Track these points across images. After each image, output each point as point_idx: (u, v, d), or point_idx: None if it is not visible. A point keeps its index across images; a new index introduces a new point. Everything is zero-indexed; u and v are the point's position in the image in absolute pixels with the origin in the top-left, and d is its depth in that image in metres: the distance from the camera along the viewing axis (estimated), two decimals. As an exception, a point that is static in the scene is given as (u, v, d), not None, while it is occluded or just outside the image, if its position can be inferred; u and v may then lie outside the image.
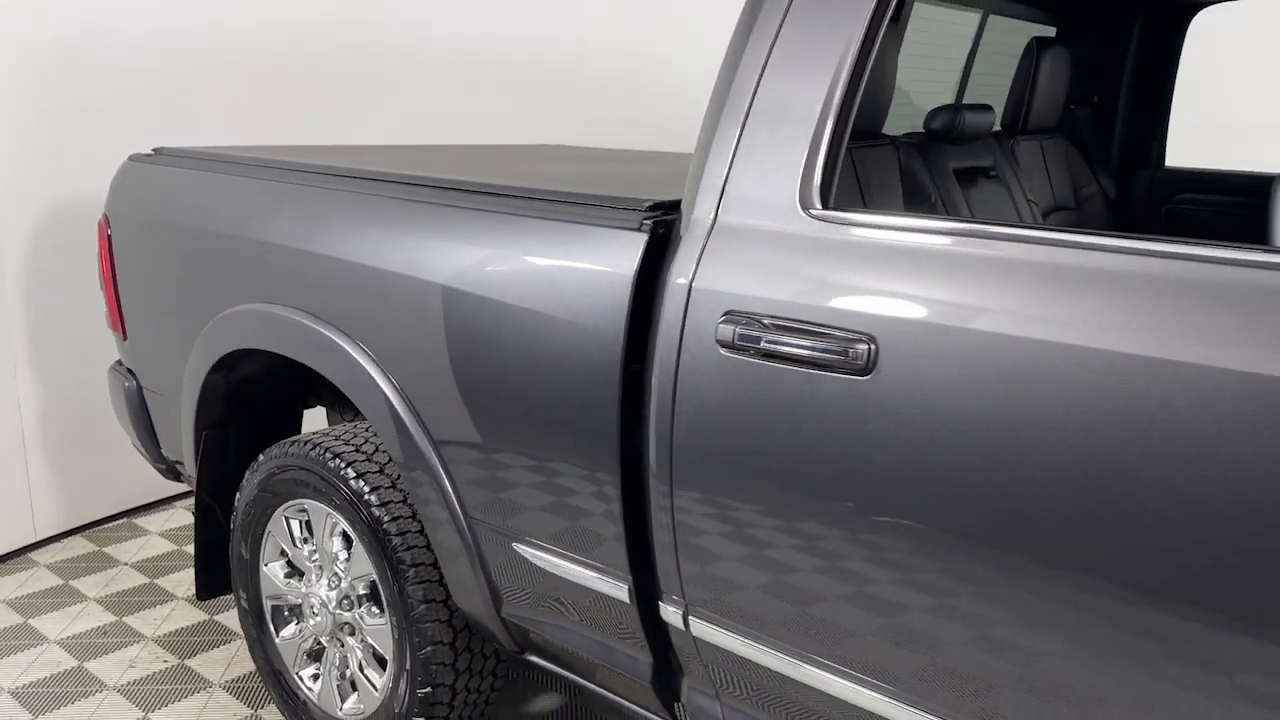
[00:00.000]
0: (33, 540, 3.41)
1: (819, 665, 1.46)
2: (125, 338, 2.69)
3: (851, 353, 1.34)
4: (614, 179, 2.07)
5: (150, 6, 3.40)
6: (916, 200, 2.11)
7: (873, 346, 1.33)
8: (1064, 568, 1.19)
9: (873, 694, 1.41)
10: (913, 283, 1.32)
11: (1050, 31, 2.57)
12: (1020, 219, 2.39)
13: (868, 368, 1.33)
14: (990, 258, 1.27)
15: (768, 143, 1.49)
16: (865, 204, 1.88)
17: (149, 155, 2.68)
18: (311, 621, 2.30)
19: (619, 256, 1.60)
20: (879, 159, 1.91)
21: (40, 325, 3.28)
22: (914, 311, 1.31)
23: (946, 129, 2.23)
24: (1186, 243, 1.15)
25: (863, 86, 1.41)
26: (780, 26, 1.51)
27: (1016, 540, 1.22)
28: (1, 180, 3.13)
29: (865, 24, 1.42)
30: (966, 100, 2.71)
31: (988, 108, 2.29)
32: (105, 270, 2.67)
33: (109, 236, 2.65)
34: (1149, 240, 1.18)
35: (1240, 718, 1.09)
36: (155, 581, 3.21)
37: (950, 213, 2.21)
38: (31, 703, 2.55)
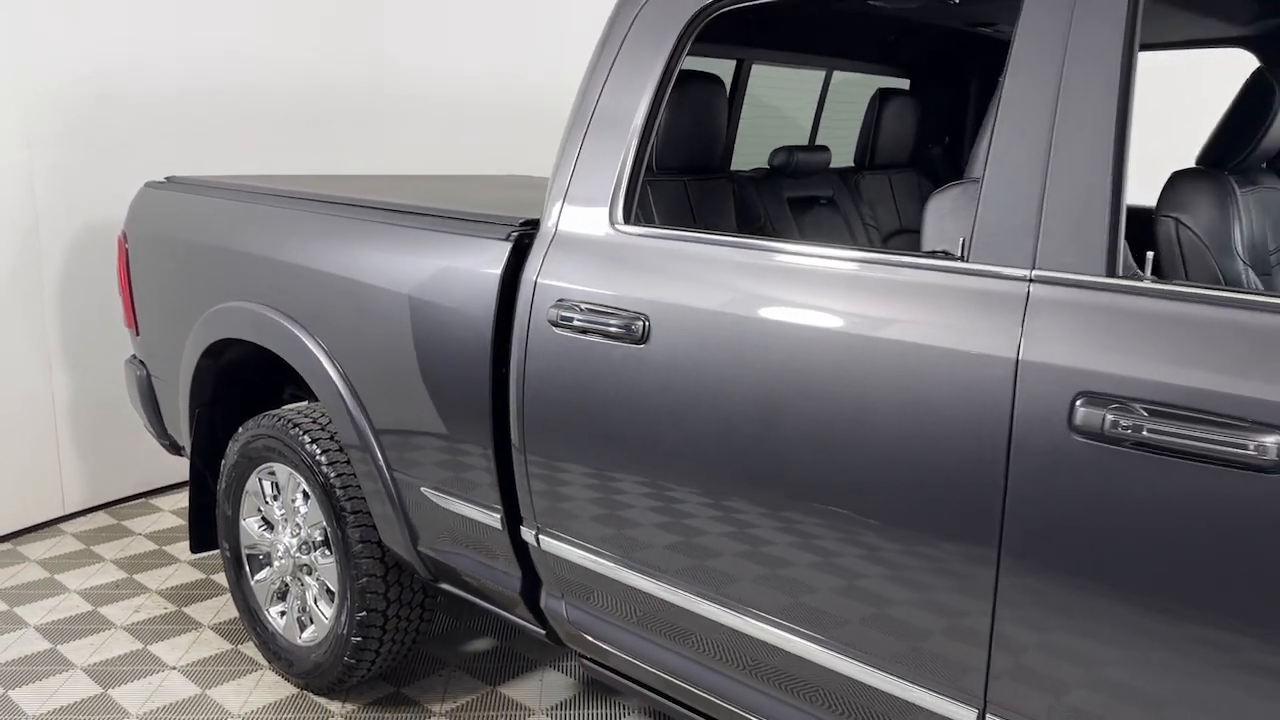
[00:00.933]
0: (61, 514, 3.98)
1: (631, 569, 1.96)
2: (138, 334, 3.26)
3: (633, 327, 1.85)
4: (519, 203, 2.60)
5: (173, 58, 4.00)
6: (748, 221, 2.61)
7: (647, 323, 1.83)
8: (787, 486, 1.68)
9: (670, 588, 1.90)
10: (677, 278, 1.82)
11: (904, 83, 3.05)
12: (852, 239, 2.88)
13: (644, 338, 1.83)
14: (734, 260, 1.77)
15: (589, 178, 2.00)
16: (696, 223, 2.39)
17: (162, 182, 3.26)
18: (277, 565, 2.83)
19: (491, 260, 2.13)
20: (714, 189, 2.43)
21: (73, 327, 3.87)
22: (677, 297, 1.81)
23: (784, 165, 2.74)
24: (870, 250, 1.64)
25: (651, 142, 1.93)
26: (598, 98, 2.03)
27: (754, 464, 1.71)
28: (45, 203, 3.73)
29: (650, 97, 1.94)
30: (825, 141, 3.20)
31: (823, 148, 2.79)
32: (122, 278, 3.25)
33: (126, 250, 3.22)
34: (845, 248, 1.67)
35: (911, 592, 1.57)
36: (163, 548, 3.77)
37: (779, 233, 2.71)
38: (52, 636, 3.10)
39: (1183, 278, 2.24)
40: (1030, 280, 1.45)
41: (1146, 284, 1.36)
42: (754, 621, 1.78)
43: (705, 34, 2.53)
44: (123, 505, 4.16)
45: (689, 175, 2.37)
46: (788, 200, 2.65)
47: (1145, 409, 1.30)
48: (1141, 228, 2.55)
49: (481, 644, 3.13)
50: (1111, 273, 1.38)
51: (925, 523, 1.50)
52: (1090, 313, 1.37)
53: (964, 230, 1.55)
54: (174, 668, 2.95)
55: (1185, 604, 1.27)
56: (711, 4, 1.92)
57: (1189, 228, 2.24)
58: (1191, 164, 2.40)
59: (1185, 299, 1.32)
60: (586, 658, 2.21)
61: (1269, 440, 1.21)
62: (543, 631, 2.31)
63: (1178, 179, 2.26)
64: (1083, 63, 1.43)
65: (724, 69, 3.11)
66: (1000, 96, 1.52)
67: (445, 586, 2.52)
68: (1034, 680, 1.43)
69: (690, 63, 2.48)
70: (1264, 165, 2.39)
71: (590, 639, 2.14)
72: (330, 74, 4.53)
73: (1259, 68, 2.20)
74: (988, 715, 1.52)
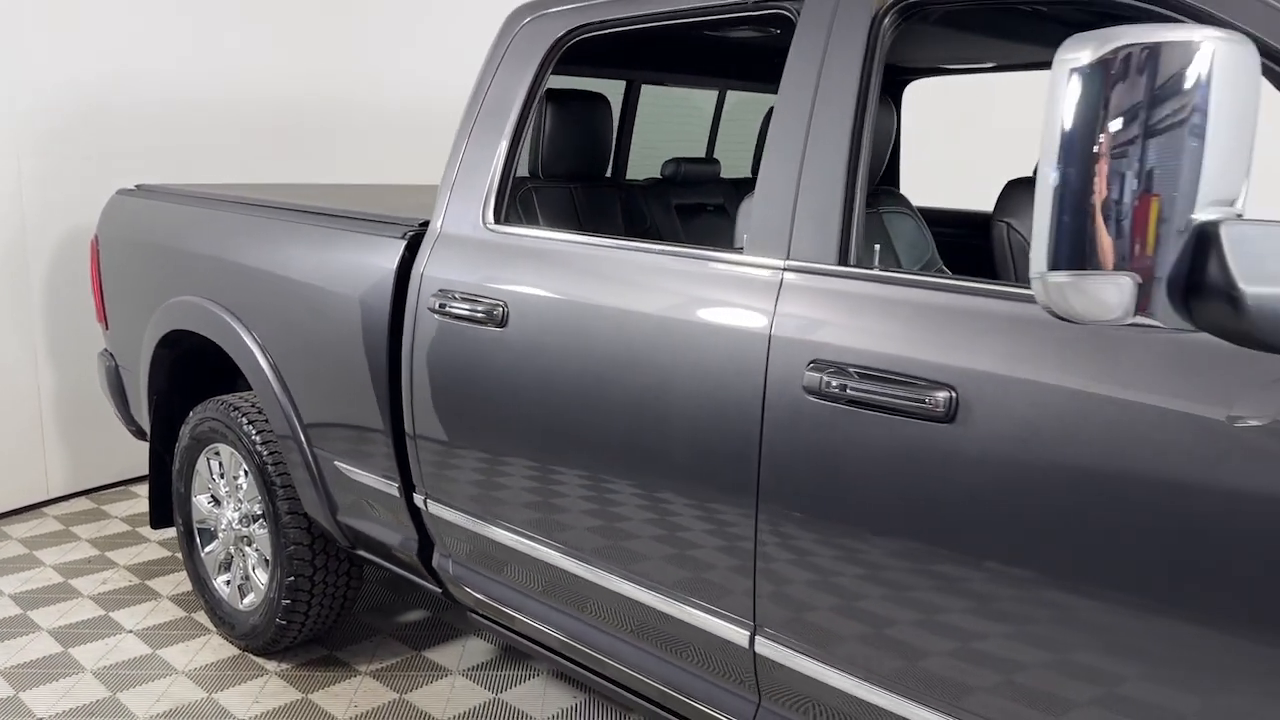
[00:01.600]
0: (45, 498, 4.33)
1: (503, 528, 2.26)
2: (107, 328, 3.60)
3: (494, 313, 2.16)
4: (425, 207, 2.91)
5: (154, 74, 4.36)
6: (635, 225, 2.92)
7: (506, 309, 2.14)
8: (610, 448, 1.97)
9: (535, 544, 2.20)
10: (533, 270, 2.13)
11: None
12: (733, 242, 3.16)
13: (504, 322, 2.14)
14: (575, 255, 2.08)
15: (468, 184, 2.32)
16: (582, 226, 2.70)
17: (132, 190, 3.60)
18: (222, 537, 3.16)
19: (388, 256, 2.45)
20: (601, 196, 2.73)
21: (58, 325, 4.23)
22: (531, 288, 2.12)
23: (673, 175, 3.04)
24: (681, 246, 1.94)
25: (513, 164, 2.24)
26: (478, 113, 2.35)
27: (587, 431, 2.00)
28: (32, 210, 4.10)
29: (518, 112, 2.25)
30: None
31: (714, 160, 3.09)
32: (94, 277, 3.59)
33: (98, 251, 3.57)
34: (661, 245, 1.97)
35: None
36: (136, 529, 4.10)
37: (664, 236, 3.01)
38: (24, 603, 3.44)
39: (1012, 275, 2.53)
40: (784, 269, 1.74)
41: (863, 271, 1.65)
42: (584, 564, 2.08)
43: (594, 57, 2.85)
44: (103, 491, 4.51)
45: (576, 183, 2.67)
46: (675, 207, 2.95)
47: (856, 371, 1.59)
48: (982, 231, 2.84)
49: (414, 615, 3.44)
50: (843, 262, 1.68)
51: (706, 470, 1.80)
52: (823, 295, 1.67)
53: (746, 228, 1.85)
54: (130, 631, 3.27)
55: (893, 529, 1.56)
56: (566, 34, 2.24)
57: (1017, 230, 2.53)
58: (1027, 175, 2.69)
59: (890, 283, 1.61)
60: (472, 610, 2.51)
61: (940, 395, 1.50)
62: (439, 589, 2.61)
63: (1010, 188, 2.55)
64: (829, 93, 1.73)
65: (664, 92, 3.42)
66: (771, 119, 1.83)
67: (362, 553, 2.83)
68: (791, 602, 1.72)
69: (587, 83, 2.81)
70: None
71: (472, 592, 2.44)
72: (305, 88, 4.88)
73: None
74: (758, 634, 1.80)
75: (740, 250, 1.84)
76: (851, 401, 1.59)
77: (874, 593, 1.60)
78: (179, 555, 3.84)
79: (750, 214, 1.82)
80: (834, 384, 1.60)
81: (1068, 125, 0.99)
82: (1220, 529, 1.23)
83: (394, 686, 2.99)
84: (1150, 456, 1.29)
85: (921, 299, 1.55)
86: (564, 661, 2.28)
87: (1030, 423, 1.41)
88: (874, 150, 2.11)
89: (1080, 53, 0.99)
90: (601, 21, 2.18)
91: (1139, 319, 0.99)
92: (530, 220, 2.57)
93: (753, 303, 1.75)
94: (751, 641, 1.82)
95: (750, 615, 1.80)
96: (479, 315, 2.18)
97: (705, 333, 1.80)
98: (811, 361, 1.64)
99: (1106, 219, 0.98)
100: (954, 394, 1.49)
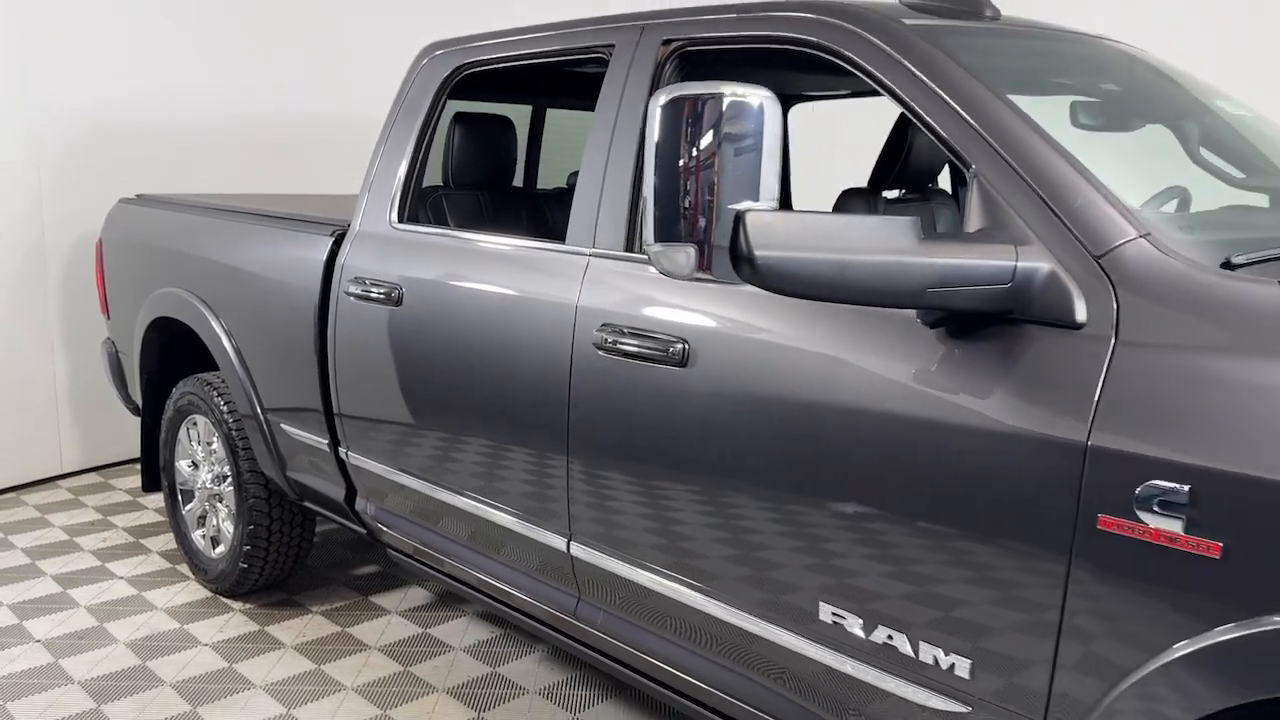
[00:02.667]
0: (59, 472, 4.95)
1: (404, 473, 2.79)
2: (109, 318, 4.21)
3: (393, 294, 2.71)
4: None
5: (163, 92, 4.99)
6: (539, 226, 3.46)
7: (401, 291, 2.69)
8: (472, 402, 2.50)
9: (428, 485, 2.73)
10: (422, 260, 2.68)
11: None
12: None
13: (400, 302, 2.69)
14: (452, 247, 2.61)
15: (380, 191, 2.88)
16: (490, 228, 3.24)
17: (133, 198, 4.21)
18: (198, 495, 3.74)
19: (319, 250, 3.01)
20: (508, 201, 3.28)
21: (72, 318, 4.85)
22: (421, 272, 2.66)
23: (573, 184, 3.58)
24: (528, 238, 2.47)
25: (417, 171, 2.79)
26: (389, 133, 2.90)
27: (458, 390, 2.53)
28: (50, 216, 4.73)
29: (418, 132, 2.80)
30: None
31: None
32: (98, 274, 4.20)
33: (102, 252, 4.18)
34: (515, 238, 2.51)
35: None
36: (137, 500, 4.70)
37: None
38: (33, 555, 4.04)
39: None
40: (590, 256, 2.27)
41: (638, 256, 2.18)
42: (463, 498, 2.61)
43: (500, 88, 3.40)
44: (112, 468, 5.12)
45: (484, 190, 3.22)
46: (573, 210, 3.48)
47: (626, 330, 2.11)
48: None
49: (367, 569, 3.99)
50: (629, 250, 2.21)
51: (536, 414, 2.32)
52: (613, 274, 2.19)
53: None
54: (122, 578, 3.86)
55: (654, 452, 2.06)
56: (456, 69, 2.79)
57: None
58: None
59: (632, 261, 2.13)
60: (387, 545, 3.06)
61: (677, 346, 2.01)
62: (364, 530, 3.16)
63: (843, 196, 3.05)
64: (625, 118, 2.26)
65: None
66: (588, 136, 2.36)
67: (308, 504, 3.39)
68: (593, 513, 2.24)
69: (504, 109, 3.36)
70: (930, 185, 3.15)
71: (385, 529, 2.99)
72: (295, 105, 5.49)
73: (902, 113, 3.00)
74: (572, 540, 2.33)
75: (564, 240, 2.37)
76: (622, 353, 2.11)
77: (647, 502, 2.11)
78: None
79: (572, 212, 2.35)
80: (611, 340, 2.12)
81: (659, 144, 1.52)
82: (864, 443, 1.74)
83: (338, 622, 3.54)
84: (821, 389, 1.79)
85: (661, 279, 2.07)
86: (454, 582, 2.82)
87: (738, 366, 1.92)
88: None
89: (666, 97, 1.52)
90: (481, 60, 2.73)
91: (701, 275, 1.51)
92: (440, 221, 3.12)
93: (568, 282, 2.28)
94: (568, 546, 2.34)
95: (566, 526, 2.32)
96: (380, 296, 2.73)
97: (537, 305, 2.33)
98: (601, 324, 2.17)
99: (680, 207, 1.50)
100: (686, 345, 2.01)
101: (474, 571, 2.68)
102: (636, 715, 2.96)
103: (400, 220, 2.82)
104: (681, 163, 1.49)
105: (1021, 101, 1.83)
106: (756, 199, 1.49)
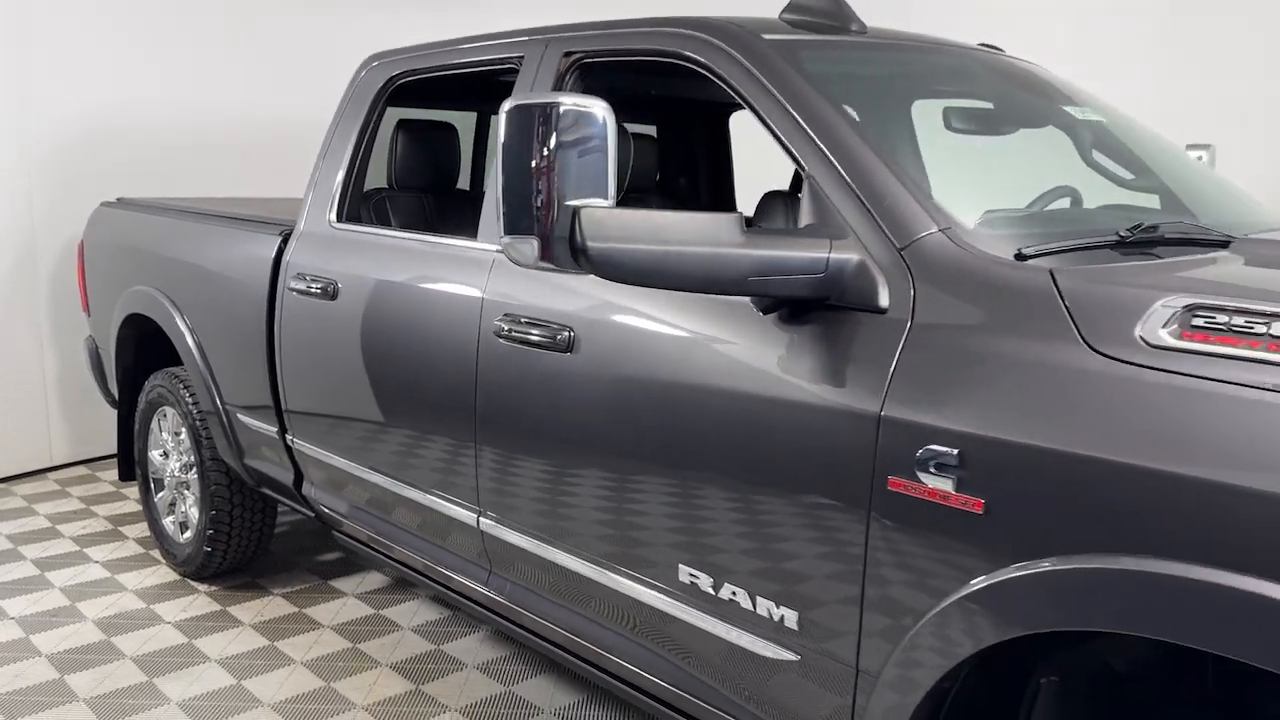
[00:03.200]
0: (49, 464, 5.20)
1: (339, 455, 3.00)
2: (90, 316, 4.45)
3: (329, 289, 2.92)
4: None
5: (148, 102, 5.23)
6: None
7: (337, 285, 2.91)
8: (398, 388, 2.70)
9: (357, 467, 2.94)
10: (356, 257, 2.89)
11: (653, 130, 4.07)
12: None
13: (335, 296, 2.91)
14: (381, 245, 2.82)
15: (321, 193, 3.09)
16: (433, 228, 3.44)
17: (113, 202, 4.45)
18: (168, 483, 3.96)
19: (268, 249, 3.22)
20: (450, 203, 3.49)
21: (61, 318, 5.09)
22: (354, 268, 2.88)
23: None
24: (447, 236, 2.68)
25: (355, 174, 3.00)
26: (330, 140, 3.12)
27: (386, 377, 2.74)
28: (40, 220, 4.98)
29: (355, 138, 3.02)
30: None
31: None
32: (80, 274, 4.44)
33: (83, 253, 4.42)
34: (435, 236, 2.71)
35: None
36: (120, 491, 4.94)
37: None
38: (16, 540, 4.28)
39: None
40: (496, 252, 2.47)
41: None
42: (385, 477, 2.82)
43: (445, 95, 3.61)
44: (99, 461, 5.36)
45: (428, 193, 3.43)
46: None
47: (523, 319, 2.31)
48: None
49: (330, 555, 4.21)
50: (544, 258, 2.40)
51: (449, 398, 2.53)
52: (514, 269, 2.39)
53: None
54: (97, 562, 4.09)
55: (547, 432, 2.26)
56: (390, 79, 3.00)
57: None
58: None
59: None
60: (329, 525, 3.27)
61: (564, 334, 2.21)
62: (312, 513, 3.38)
63: (765, 198, 3.25)
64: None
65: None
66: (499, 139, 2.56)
67: (264, 490, 3.61)
68: (498, 490, 2.44)
69: (449, 115, 3.57)
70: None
71: (326, 510, 3.20)
72: (280, 113, 5.73)
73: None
74: (481, 516, 2.53)
75: (476, 238, 2.58)
76: (519, 341, 2.31)
77: (541, 479, 2.31)
78: (149, 509, 4.65)
79: (483, 212, 2.56)
80: (510, 329, 2.33)
81: (505, 146, 1.72)
82: (710, 418, 1.93)
83: (295, 604, 3.75)
84: (677, 370, 1.97)
85: (560, 274, 2.27)
86: (379, 555, 3.03)
87: (614, 351, 2.11)
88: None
89: (511, 104, 1.72)
90: (412, 70, 2.94)
91: (544, 264, 1.71)
92: (384, 222, 3.33)
93: (477, 275, 2.49)
94: (478, 522, 2.54)
95: (476, 502, 2.53)
96: (318, 291, 2.95)
97: (451, 298, 2.54)
98: (503, 314, 2.37)
99: (525, 204, 1.70)
100: (572, 333, 2.21)
101: (400, 546, 2.88)
102: (567, 687, 3.16)
103: (339, 220, 3.03)
104: (526, 163, 1.69)
105: (877, 107, 2.02)
106: (596, 197, 1.68)
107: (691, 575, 2.00)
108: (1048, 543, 1.45)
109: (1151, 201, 2.74)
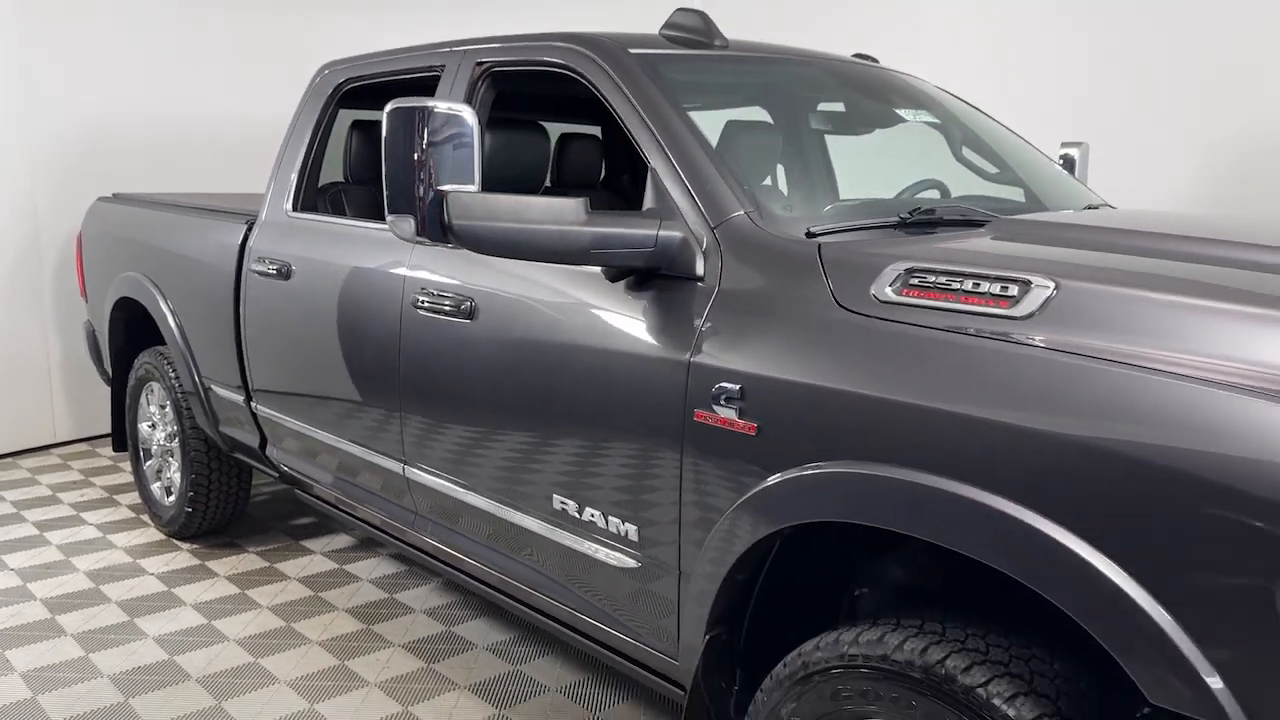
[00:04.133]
0: (53, 441, 5.66)
1: (294, 418, 3.42)
2: (88, 302, 4.90)
3: (283, 270, 3.35)
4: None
5: (145, 105, 5.69)
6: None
7: (290, 267, 3.33)
8: (349, 358, 3.13)
9: (310, 428, 3.36)
10: (307, 241, 3.32)
11: (598, 130, 4.47)
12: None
13: (289, 276, 3.33)
14: (326, 230, 3.24)
15: (280, 186, 3.52)
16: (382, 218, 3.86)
17: (110, 197, 4.90)
18: (155, 452, 4.40)
19: (236, 236, 3.66)
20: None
21: (64, 305, 5.55)
22: (304, 251, 3.30)
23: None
24: (372, 221, 3.10)
25: (310, 168, 3.43)
26: (289, 139, 3.55)
27: (329, 347, 3.16)
28: (44, 217, 5.44)
29: (309, 137, 3.44)
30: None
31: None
32: (79, 263, 4.89)
33: (81, 244, 4.87)
34: (362, 221, 3.13)
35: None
36: (118, 464, 5.39)
37: None
38: (20, 506, 4.73)
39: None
40: (416, 241, 2.88)
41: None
42: (332, 435, 3.24)
43: (383, 98, 4.01)
44: (100, 438, 5.82)
45: (377, 185, 3.85)
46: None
47: (435, 293, 2.73)
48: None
49: (305, 519, 4.64)
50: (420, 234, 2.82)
51: (379, 365, 2.94)
52: (431, 250, 2.80)
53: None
54: (91, 524, 4.54)
55: (455, 392, 2.66)
56: (341, 83, 3.43)
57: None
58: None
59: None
60: (288, 481, 3.70)
61: (466, 304, 2.62)
62: (276, 474, 3.80)
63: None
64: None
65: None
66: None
67: (237, 455, 4.04)
68: (419, 442, 2.85)
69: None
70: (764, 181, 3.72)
71: (288, 470, 3.63)
72: (272, 113, 6.17)
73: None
74: (407, 465, 2.94)
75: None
76: (432, 311, 2.72)
77: (451, 431, 2.72)
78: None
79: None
80: (424, 301, 2.74)
81: (387, 141, 2.13)
82: (572, 372, 2.33)
83: (268, 559, 4.18)
84: (549, 331, 2.37)
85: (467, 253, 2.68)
86: (338, 511, 3.45)
87: (504, 317, 2.51)
88: (529, 165, 3.21)
89: (392, 106, 2.13)
90: (358, 76, 3.36)
91: (420, 239, 2.12)
92: (339, 212, 3.76)
93: (402, 256, 2.90)
94: (404, 470, 2.96)
95: (402, 453, 2.94)
96: (274, 272, 3.37)
97: (381, 276, 2.95)
98: (420, 289, 2.78)
99: (405, 188, 2.11)
100: (473, 303, 2.62)
101: (348, 498, 3.30)
102: (501, 626, 3.57)
103: (295, 210, 3.46)
104: (404, 155, 2.10)
105: (722, 110, 2.43)
106: (464, 183, 2.09)
107: (562, 502, 2.41)
108: (801, 455, 1.85)
109: (1013, 193, 3.13)
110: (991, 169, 3.27)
